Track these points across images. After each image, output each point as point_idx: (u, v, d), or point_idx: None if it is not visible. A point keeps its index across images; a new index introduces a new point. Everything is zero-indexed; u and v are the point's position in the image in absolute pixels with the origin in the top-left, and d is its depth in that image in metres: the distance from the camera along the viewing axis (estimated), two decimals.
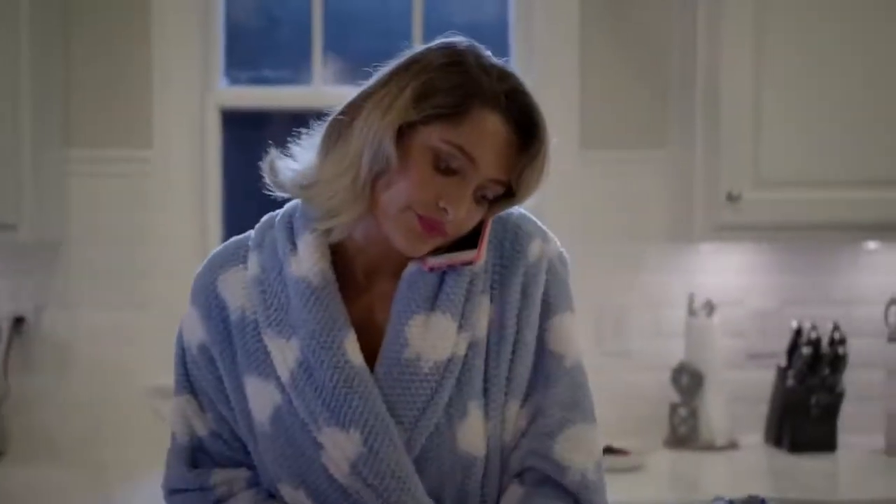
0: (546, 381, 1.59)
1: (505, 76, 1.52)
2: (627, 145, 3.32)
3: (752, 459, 3.16)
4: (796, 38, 3.02)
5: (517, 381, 1.58)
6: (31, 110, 2.95)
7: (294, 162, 1.59)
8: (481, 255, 1.58)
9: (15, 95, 2.92)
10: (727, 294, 3.31)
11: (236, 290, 1.61)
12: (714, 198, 3.03)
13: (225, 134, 3.34)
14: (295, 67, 3.42)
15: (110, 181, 3.22)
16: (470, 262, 1.57)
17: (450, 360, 1.54)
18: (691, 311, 3.25)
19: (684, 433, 3.21)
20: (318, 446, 1.53)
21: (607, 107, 3.31)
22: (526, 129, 1.51)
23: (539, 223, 1.66)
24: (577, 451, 1.56)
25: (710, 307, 3.23)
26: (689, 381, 3.21)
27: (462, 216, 1.50)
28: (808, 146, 3.03)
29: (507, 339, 1.58)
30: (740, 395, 3.29)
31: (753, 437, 3.27)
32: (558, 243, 1.67)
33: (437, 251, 1.56)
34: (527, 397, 1.59)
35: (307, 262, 1.57)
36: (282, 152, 1.60)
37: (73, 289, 3.23)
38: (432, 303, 1.56)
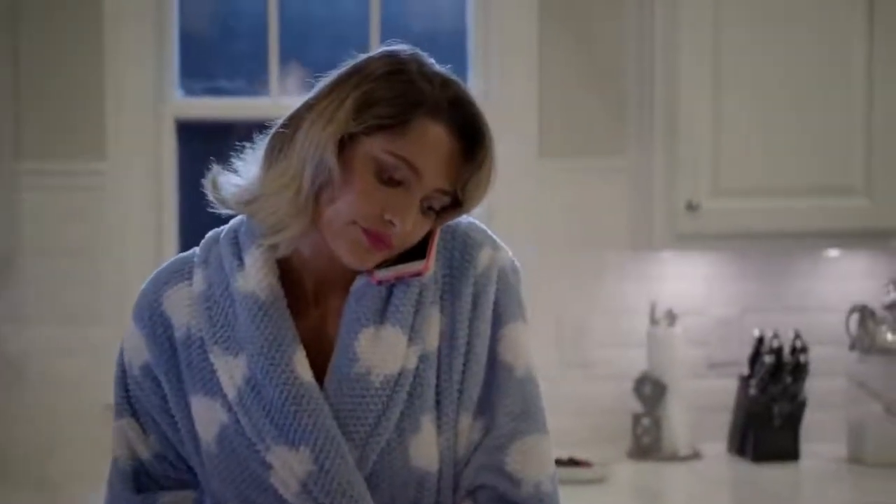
0: (497, 392, 1.55)
1: (448, 84, 1.49)
2: (586, 153, 3.30)
3: (716, 469, 3.14)
4: (754, 47, 3.01)
5: (468, 394, 1.55)
6: None
7: (237, 177, 1.55)
8: (429, 265, 1.54)
9: None
10: (689, 303, 3.29)
11: (181, 307, 1.58)
12: (673, 207, 3.02)
13: (180, 146, 3.29)
14: (251, 77, 3.38)
15: (62, 194, 3.17)
16: (418, 274, 1.54)
17: (400, 374, 1.51)
18: (653, 321, 3.23)
19: (647, 443, 3.19)
20: (267, 466, 1.49)
21: (565, 114, 3.29)
22: (470, 137, 1.48)
23: (489, 232, 1.64)
24: (529, 464, 1.53)
25: (671, 316, 3.21)
26: (651, 390, 3.19)
27: (408, 228, 1.48)
28: (767, 155, 3.02)
29: (459, 351, 1.55)
30: (703, 404, 3.27)
31: (717, 447, 3.25)
32: (509, 252, 1.64)
33: (384, 264, 1.53)
34: (480, 410, 1.55)
35: (254, 277, 1.54)
36: (225, 167, 1.57)
37: (24, 303, 3.17)
38: (381, 316, 1.53)
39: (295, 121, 1.51)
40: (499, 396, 1.55)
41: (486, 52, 3.32)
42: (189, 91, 3.34)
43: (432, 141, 1.46)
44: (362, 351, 1.51)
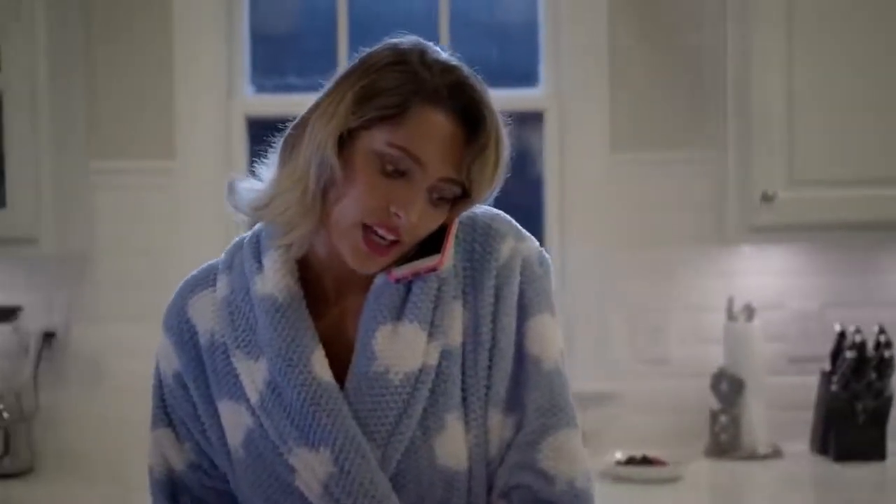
0: (525, 387, 1.51)
1: (449, 70, 1.45)
2: (658, 147, 3.23)
3: (797, 469, 3.04)
4: (829, 35, 2.91)
5: (495, 389, 1.51)
6: (51, 123, 2.92)
7: (257, 181, 1.55)
8: (445, 259, 1.51)
9: (34, 108, 2.89)
10: (767, 297, 3.20)
11: (206, 313, 1.57)
12: (748, 198, 2.93)
13: (251, 143, 3.29)
14: (322, 73, 3.36)
15: (134, 193, 3.19)
16: (434, 269, 1.50)
17: (421, 371, 1.48)
18: (730, 316, 3.15)
19: (725, 442, 3.11)
20: (291, 469, 1.48)
21: (637, 107, 3.22)
22: (472, 122, 1.44)
23: (513, 222, 1.59)
24: (562, 460, 1.49)
25: (749, 311, 3.13)
26: (729, 387, 3.11)
27: (415, 220, 1.44)
28: (844, 143, 2.91)
29: (483, 346, 1.51)
30: (783, 401, 3.18)
31: (798, 446, 3.15)
32: (535, 243, 1.59)
33: (401, 260, 1.50)
34: (510, 406, 1.51)
35: (272, 279, 1.52)
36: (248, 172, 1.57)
37: (100, 302, 3.20)
38: (399, 313, 1.50)
39: (303, 120, 1.50)
40: (527, 391, 1.51)
41: (557, 45, 3.27)
42: (260, 88, 3.34)
43: (432, 128, 1.42)
44: (380, 349, 1.48)
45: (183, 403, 1.58)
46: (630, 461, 2.96)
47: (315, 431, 1.46)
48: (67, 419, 3.19)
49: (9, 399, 3.12)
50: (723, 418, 3.11)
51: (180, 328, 1.58)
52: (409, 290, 1.51)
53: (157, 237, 3.20)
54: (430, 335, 1.49)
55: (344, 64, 3.22)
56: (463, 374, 1.50)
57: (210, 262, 1.64)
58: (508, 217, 1.60)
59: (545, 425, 1.49)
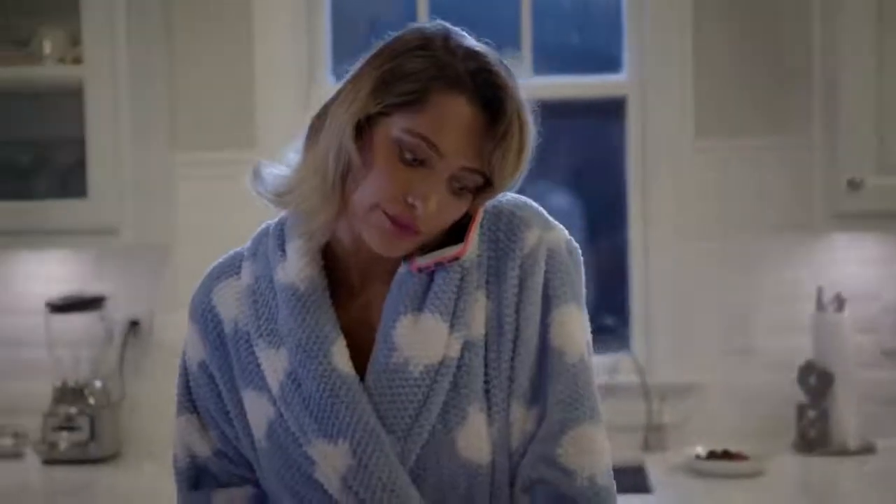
0: (548, 379, 1.47)
1: (472, 55, 1.41)
2: (743, 132, 3.14)
3: (890, 465, 2.92)
4: None
5: (519, 381, 1.47)
6: (132, 114, 2.95)
7: (283, 167, 1.52)
8: (467, 249, 1.47)
9: (115, 99, 2.93)
10: (859, 287, 3.08)
11: (230, 301, 1.56)
12: (834, 185, 2.83)
13: None
14: None
15: (215, 184, 3.20)
16: (456, 258, 1.47)
17: (441, 363, 1.44)
18: (820, 306, 3.04)
19: (813, 436, 3.01)
20: (311, 461, 1.46)
21: (722, 94, 3.14)
22: (494, 109, 1.39)
23: (539, 211, 1.54)
24: (582, 455, 1.45)
25: (839, 301, 3.02)
26: (817, 380, 3.01)
27: (432, 210, 1.40)
28: None
29: (506, 337, 1.47)
30: (875, 395, 3.07)
31: (892, 441, 3.04)
32: (564, 232, 1.54)
33: (424, 250, 1.47)
34: (533, 398, 1.47)
35: (295, 268, 1.50)
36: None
37: (183, 291, 3.21)
38: (420, 303, 1.47)
39: (327, 107, 1.48)
40: (550, 384, 1.47)
41: (640, 30, 3.20)
42: (340, 76, 3.32)
43: (452, 115, 1.38)
44: (400, 340, 1.45)
45: (208, 392, 1.57)
46: (711, 455, 2.89)
47: (333, 423, 1.44)
48: (152, 406, 3.22)
49: (95, 386, 3.17)
50: (811, 412, 3.02)
51: (205, 317, 1.57)
52: (431, 280, 1.48)
53: (238, 227, 3.20)
54: (452, 326, 1.45)
55: None
56: (486, 365, 1.47)
57: (237, 249, 1.62)
58: (536, 205, 1.55)
59: (566, 419, 1.45)
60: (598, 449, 1.46)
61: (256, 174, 1.54)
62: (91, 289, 3.21)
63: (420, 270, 1.48)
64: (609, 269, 3.32)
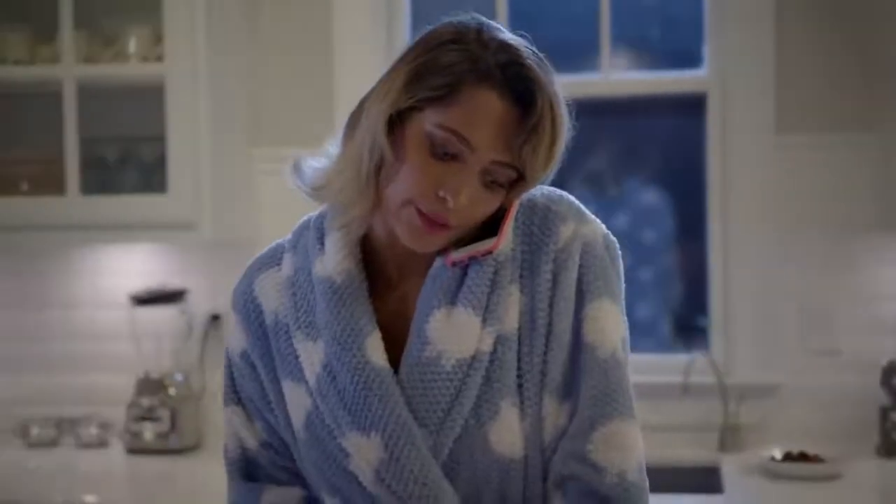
0: (580, 374, 1.45)
1: (505, 48, 1.39)
2: (828, 129, 3.08)
3: None
4: None
5: (551, 376, 1.45)
6: (211, 111, 3.00)
7: (324, 160, 1.53)
8: (500, 242, 1.46)
9: (194, 97, 2.98)
10: None
11: (271, 292, 1.57)
12: None
13: None
14: None
15: None
16: (489, 252, 1.46)
17: (474, 357, 1.44)
18: None
19: None
20: (346, 453, 1.46)
21: (804, 89, 3.08)
22: (525, 103, 1.38)
23: (575, 204, 1.52)
24: (612, 451, 1.43)
25: None
26: None
27: (463, 204, 1.39)
28: None
29: (539, 331, 1.46)
30: None
31: None
32: (600, 226, 1.52)
33: (459, 243, 1.47)
34: (565, 393, 1.46)
35: (332, 261, 1.51)
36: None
37: None
38: (454, 297, 1.46)
39: (363, 101, 1.48)
40: (582, 379, 1.45)
41: (721, 24, 3.15)
42: None
43: (482, 109, 1.37)
44: (433, 334, 1.45)
45: (251, 382, 1.59)
46: (786, 457, 2.84)
47: (366, 416, 1.44)
48: None
49: (176, 378, 3.23)
50: (894, 415, 2.94)
51: (247, 307, 1.58)
52: (465, 274, 1.47)
53: None
54: (484, 321, 1.45)
55: None
56: (518, 360, 1.46)
57: (279, 240, 1.63)
58: (571, 199, 1.53)
59: (597, 415, 1.44)
60: (629, 445, 1.44)
61: (296, 168, 1.55)
62: (173, 283, 3.27)
63: (454, 264, 1.47)
64: (691, 268, 3.28)
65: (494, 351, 1.45)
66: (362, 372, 1.45)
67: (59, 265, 3.37)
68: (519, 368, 1.46)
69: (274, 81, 3.27)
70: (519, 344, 1.46)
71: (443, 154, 1.39)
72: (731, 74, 3.11)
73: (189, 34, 2.96)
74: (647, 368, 3.13)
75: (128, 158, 3.15)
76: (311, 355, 1.50)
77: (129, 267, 3.32)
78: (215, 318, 3.29)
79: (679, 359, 3.14)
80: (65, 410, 3.32)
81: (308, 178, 1.53)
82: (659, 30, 3.33)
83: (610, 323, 1.47)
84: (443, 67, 1.38)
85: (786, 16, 3.08)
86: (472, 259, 1.47)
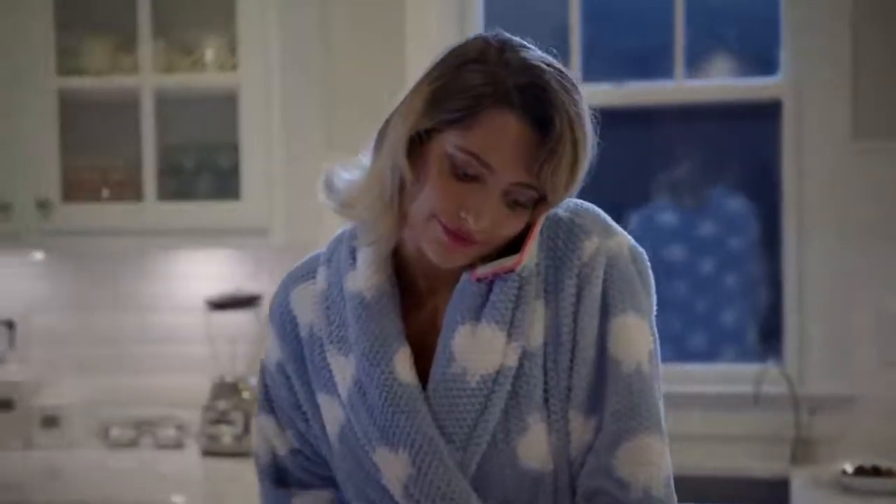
0: (605, 389, 1.45)
1: (527, 69, 1.39)
2: None
3: None
4: None
5: (576, 391, 1.46)
6: (283, 118, 3.05)
7: (357, 171, 1.54)
8: (523, 260, 1.46)
9: (268, 104, 3.03)
10: None
11: (306, 305, 1.59)
12: None
13: None
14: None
15: None
16: (511, 270, 1.46)
17: (498, 373, 1.44)
18: None
19: None
20: (377, 467, 1.48)
21: (881, 94, 3.02)
22: (544, 125, 1.37)
23: (601, 217, 1.52)
24: (638, 466, 1.42)
25: None
26: None
27: (485, 225, 1.40)
28: None
29: (565, 346, 1.46)
30: None
31: None
32: (627, 239, 1.51)
33: (485, 259, 1.47)
34: (591, 408, 1.46)
35: (362, 276, 1.53)
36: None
37: None
38: (478, 313, 1.47)
39: (391, 116, 1.48)
40: (607, 394, 1.45)
41: (797, 29, 3.10)
42: None
43: (501, 132, 1.37)
44: (458, 350, 1.46)
45: (285, 393, 1.61)
46: (858, 471, 2.79)
47: (394, 432, 1.46)
48: None
49: (249, 382, 3.27)
50: None
51: (283, 319, 1.61)
52: (490, 290, 1.48)
53: None
54: (509, 336, 1.45)
55: (576, 53, 3.23)
56: (545, 374, 1.46)
57: (315, 252, 1.65)
58: (597, 212, 1.53)
59: (622, 430, 1.44)
60: (654, 460, 1.44)
61: (327, 182, 1.56)
62: (248, 287, 3.32)
63: (479, 280, 1.48)
64: (776, 275, 3.24)
65: (520, 366, 1.45)
66: (390, 388, 1.47)
67: (138, 270, 3.44)
68: (545, 383, 1.46)
69: (346, 88, 3.30)
70: (545, 359, 1.46)
71: (463, 175, 1.40)
72: (807, 80, 3.06)
73: (262, 43, 3.00)
74: (719, 379, 3.10)
75: (204, 165, 3.21)
76: (343, 370, 1.52)
77: (205, 271, 3.38)
78: None
79: (752, 369, 3.10)
80: (144, 412, 3.39)
81: (338, 191, 1.54)
82: (734, 35, 3.30)
83: (635, 337, 1.46)
84: (462, 90, 1.38)
85: (862, 20, 3.02)
86: (496, 275, 1.47)
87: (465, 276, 1.50)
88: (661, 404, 1.48)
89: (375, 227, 1.49)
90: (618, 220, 1.55)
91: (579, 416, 1.46)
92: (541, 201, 1.43)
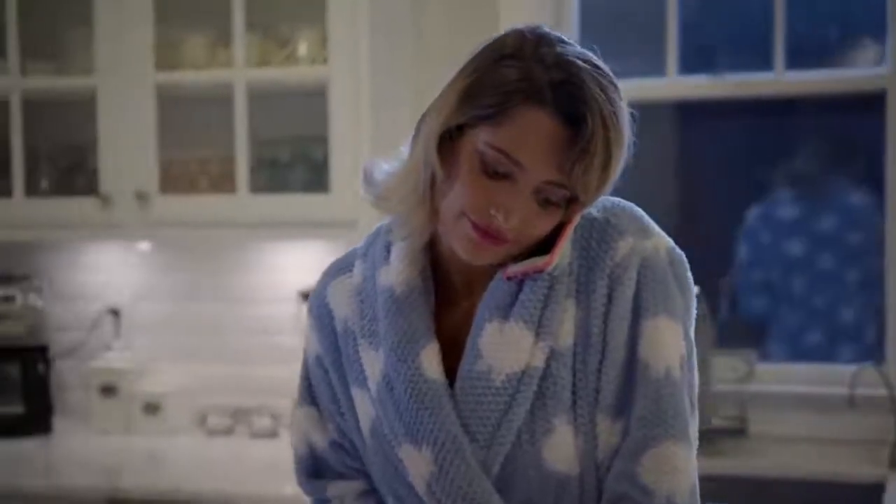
0: (633, 393, 1.42)
1: (561, 65, 1.35)
2: None
3: None
4: None
5: (604, 394, 1.42)
6: (372, 112, 3.05)
7: (396, 163, 1.52)
8: (552, 261, 1.43)
9: (358, 98, 3.04)
10: None
11: (342, 298, 1.58)
12: None
13: None
14: (648, 55, 3.28)
15: None
16: (541, 270, 1.43)
17: (524, 373, 1.42)
18: None
19: None
20: (403, 464, 1.47)
21: None
22: (576, 123, 1.34)
23: (637, 217, 1.48)
24: (662, 473, 1.39)
25: None
26: None
27: (515, 224, 1.37)
28: None
29: (594, 348, 1.42)
30: None
31: None
32: (665, 240, 1.47)
33: (520, 257, 1.45)
34: (618, 411, 1.42)
35: (395, 270, 1.52)
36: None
37: None
38: (507, 311, 1.44)
39: (427, 110, 1.46)
40: (635, 398, 1.41)
41: None
42: None
43: (532, 129, 1.34)
44: (485, 348, 1.44)
45: (323, 386, 1.61)
46: None
47: (418, 429, 1.44)
48: None
49: None
50: None
51: (320, 312, 1.60)
52: (520, 288, 1.45)
53: None
54: (537, 336, 1.43)
55: (673, 47, 3.17)
56: (573, 376, 1.43)
57: (355, 246, 1.65)
58: (635, 211, 1.49)
59: (647, 436, 1.40)
60: (679, 468, 1.40)
61: (367, 174, 1.55)
62: None
63: (510, 278, 1.46)
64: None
65: (548, 367, 1.43)
66: (416, 384, 1.46)
67: (236, 261, 3.50)
68: (573, 385, 1.43)
69: (437, 81, 3.28)
70: (574, 360, 1.43)
71: (494, 173, 1.37)
72: None
73: (352, 36, 3.01)
74: (814, 379, 3.02)
75: (296, 159, 3.24)
76: (374, 364, 1.51)
77: (300, 263, 3.41)
78: None
79: (849, 370, 3.01)
80: (240, 400, 3.45)
81: (377, 184, 1.53)
82: (836, 26, 3.20)
83: (667, 340, 1.42)
84: (495, 85, 1.36)
85: None
86: (527, 274, 1.45)
87: (498, 274, 1.48)
88: (690, 411, 1.43)
89: (409, 220, 1.48)
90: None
91: (606, 419, 1.43)
92: (574, 200, 1.40)
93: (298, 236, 3.26)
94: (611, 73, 1.39)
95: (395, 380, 1.48)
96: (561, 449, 1.42)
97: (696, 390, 1.47)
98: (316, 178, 3.18)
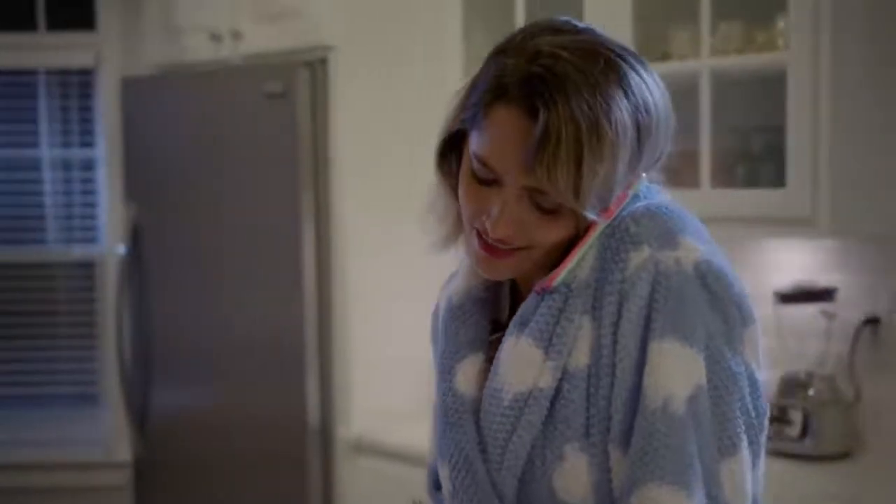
0: (635, 425, 1.26)
1: (537, 56, 1.22)
2: None
3: None
4: None
5: (614, 421, 1.26)
6: (832, 101, 2.79)
7: None
8: (558, 274, 1.30)
9: (816, 88, 2.79)
10: None
11: (443, 303, 1.55)
12: None
13: None
14: None
15: None
16: (547, 285, 1.31)
17: (531, 393, 1.29)
18: None
19: None
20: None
21: None
22: (535, 115, 1.21)
23: (668, 226, 1.28)
24: None
25: None
26: None
27: (504, 232, 1.27)
28: None
29: (605, 370, 1.26)
30: None
31: None
32: (698, 253, 1.26)
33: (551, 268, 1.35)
34: (624, 441, 1.25)
35: (456, 279, 1.48)
36: None
37: None
38: (524, 327, 1.33)
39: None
40: (634, 430, 1.24)
41: None
42: None
43: (500, 129, 1.23)
44: (502, 364, 1.34)
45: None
46: None
47: (445, 445, 1.39)
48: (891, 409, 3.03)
49: (817, 381, 3.07)
50: None
51: (434, 317, 1.58)
52: (540, 303, 1.34)
53: None
54: (546, 354, 1.29)
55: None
56: (587, 400, 1.28)
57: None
58: (666, 219, 1.29)
59: (634, 476, 1.23)
60: None
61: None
62: (822, 280, 3.11)
63: (537, 292, 1.35)
64: None
65: (560, 389, 1.30)
66: (447, 398, 1.42)
67: None
68: (587, 410, 1.28)
69: None
70: (588, 383, 1.29)
71: (480, 179, 1.30)
72: None
73: (813, 20, 2.77)
74: None
75: (747, 152, 3.07)
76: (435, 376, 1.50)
77: (778, 261, 3.22)
78: (870, 322, 3.05)
79: None
80: None
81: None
82: None
83: (670, 368, 1.23)
84: (476, 86, 1.29)
85: None
86: (545, 289, 1.34)
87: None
88: (707, 451, 1.22)
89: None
90: None
91: (616, 450, 1.27)
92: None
93: (751, 234, 3.07)
94: (622, 63, 1.24)
95: (437, 392, 1.44)
96: (572, 479, 1.28)
97: (740, 429, 1.26)
98: (767, 172, 3.00)
